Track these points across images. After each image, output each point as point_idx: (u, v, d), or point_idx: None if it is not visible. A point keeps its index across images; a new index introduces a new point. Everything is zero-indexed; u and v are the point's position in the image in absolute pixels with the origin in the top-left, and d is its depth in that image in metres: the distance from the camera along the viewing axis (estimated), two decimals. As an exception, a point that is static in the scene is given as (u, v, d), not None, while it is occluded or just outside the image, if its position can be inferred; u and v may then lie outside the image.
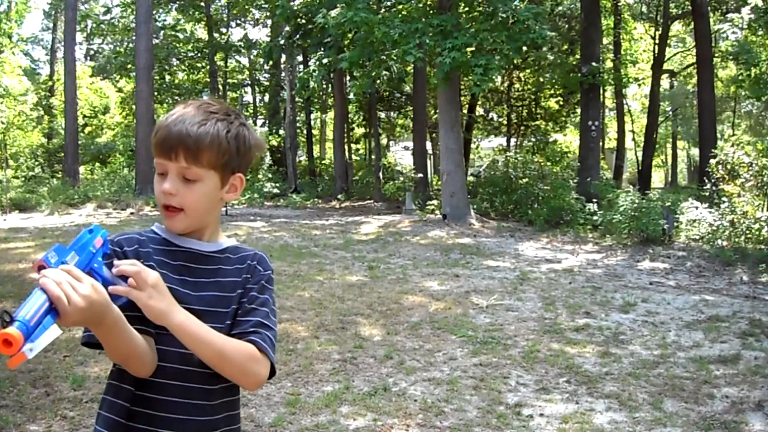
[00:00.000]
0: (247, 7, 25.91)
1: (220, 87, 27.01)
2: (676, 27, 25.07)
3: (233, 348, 1.20)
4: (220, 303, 1.28)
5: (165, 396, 1.23)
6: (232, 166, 1.30)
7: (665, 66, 23.17)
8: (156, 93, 21.00)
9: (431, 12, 13.17)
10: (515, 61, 17.68)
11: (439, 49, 11.92)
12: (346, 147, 23.50)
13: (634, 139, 27.13)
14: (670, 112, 27.93)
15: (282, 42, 20.37)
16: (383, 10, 14.07)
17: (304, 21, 17.84)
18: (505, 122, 25.04)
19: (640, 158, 22.98)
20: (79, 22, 25.68)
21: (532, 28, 11.84)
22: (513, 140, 25.00)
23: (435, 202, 15.14)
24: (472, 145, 25.75)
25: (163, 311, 1.13)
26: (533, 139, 24.42)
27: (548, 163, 17.35)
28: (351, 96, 23.58)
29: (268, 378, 1.28)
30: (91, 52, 32.94)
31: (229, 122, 1.29)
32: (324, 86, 23.35)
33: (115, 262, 1.15)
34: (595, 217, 12.14)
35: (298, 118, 25.50)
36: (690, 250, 9.63)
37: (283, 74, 25.18)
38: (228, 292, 1.29)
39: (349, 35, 14.26)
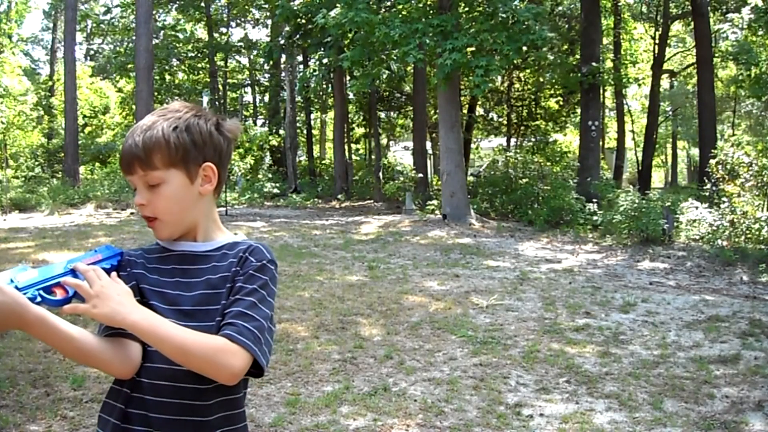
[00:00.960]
0: (247, 7, 25.91)
1: (220, 87, 27.01)
2: (676, 27, 25.07)
3: (196, 342, 1.16)
4: (210, 300, 1.26)
5: (158, 397, 1.23)
6: (194, 158, 1.29)
7: (665, 66, 23.16)
8: (156, 93, 20.99)
9: (431, 12, 13.17)
10: (515, 61, 17.68)
11: (439, 49, 11.92)
12: (346, 147, 23.49)
13: (634, 139, 27.14)
14: (670, 112, 27.92)
15: (282, 42, 20.37)
16: (383, 10, 14.07)
17: (304, 21, 17.83)
18: (505, 122, 25.03)
19: (640, 158, 22.97)
20: (79, 22, 25.68)
21: (532, 28, 11.83)
22: (513, 140, 24.99)
23: (435, 202, 15.13)
24: (472, 145, 25.74)
25: (108, 315, 1.14)
26: (533, 139, 24.41)
27: (548, 163, 17.35)
28: (351, 96, 23.59)
29: (258, 375, 1.25)
30: (91, 52, 32.93)
31: (177, 118, 1.30)
32: (324, 86, 23.35)
33: (62, 279, 1.19)
34: (595, 217, 12.15)
35: (298, 118, 25.51)
36: (690, 250, 9.63)
37: (283, 74, 25.19)
38: (219, 288, 1.27)
39: (350, 35, 14.25)
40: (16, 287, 1.11)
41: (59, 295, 1.17)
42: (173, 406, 1.23)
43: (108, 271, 1.26)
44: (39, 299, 1.14)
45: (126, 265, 1.32)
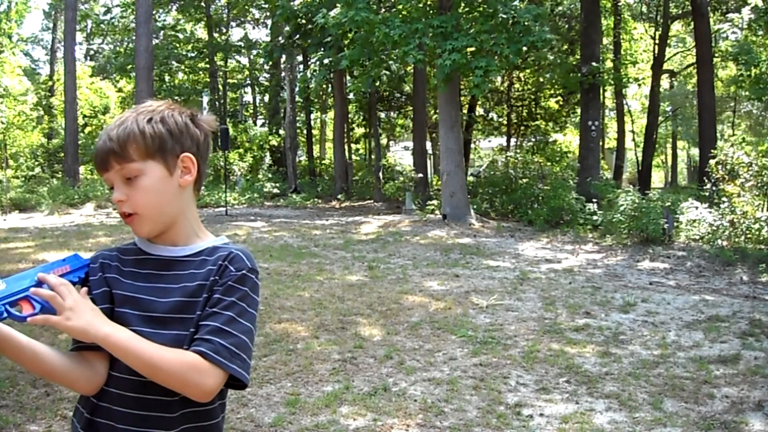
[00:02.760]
0: (247, 7, 25.92)
1: (220, 87, 27.02)
2: (676, 27, 25.08)
3: (166, 358, 1.14)
4: (185, 309, 1.22)
5: (122, 407, 1.21)
6: (171, 148, 1.26)
7: (665, 66, 23.16)
8: (156, 93, 21.00)
9: (431, 12, 13.17)
10: (515, 62, 17.72)
11: (439, 50, 11.92)
12: (346, 147, 23.51)
13: (634, 139, 27.14)
14: (670, 112, 27.93)
15: (282, 42, 20.38)
16: (383, 10, 14.07)
17: (304, 21, 17.84)
18: (505, 122, 25.04)
19: (640, 158, 22.98)
20: (79, 22, 25.70)
21: (532, 29, 11.82)
22: (513, 140, 25.00)
23: (435, 202, 15.13)
24: (472, 145, 25.75)
25: (83, 328, 1.12)
26: (533, 139, 24.43)
27: (548, 163, 17.35)
28: (351, 96, 23.59)
29: (241, 388, 1.24)
30: (91, 52, 32.95)
31: (150, 111, 1.28)
32: (324, 86, 23.36)
33: (32, 290, 1.15)
34: (595, 217, 12.14)
35: (298, 118, 25.52)
36: (690, 250, 9.63)
37: (283, 74, 25.21)
38: (195, 296, 1.23)
39: (349, 35, 14.25)
40: None
41: (25, 310, 1.14)
42: (139, 418, 1.21)
43: (74, 284, 1.23)
44: (5, 315, 1.11)
45: (98, 269, 1.28)
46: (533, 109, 24.57)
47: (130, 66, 22.15)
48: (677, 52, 27.08)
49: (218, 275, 1.24)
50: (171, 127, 1.27)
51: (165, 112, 1.28)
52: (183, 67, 26.99)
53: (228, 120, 26.21)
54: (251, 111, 31.46)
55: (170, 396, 1.20)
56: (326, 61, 16.55)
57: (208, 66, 26.28)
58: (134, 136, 1.23)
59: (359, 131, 28.05)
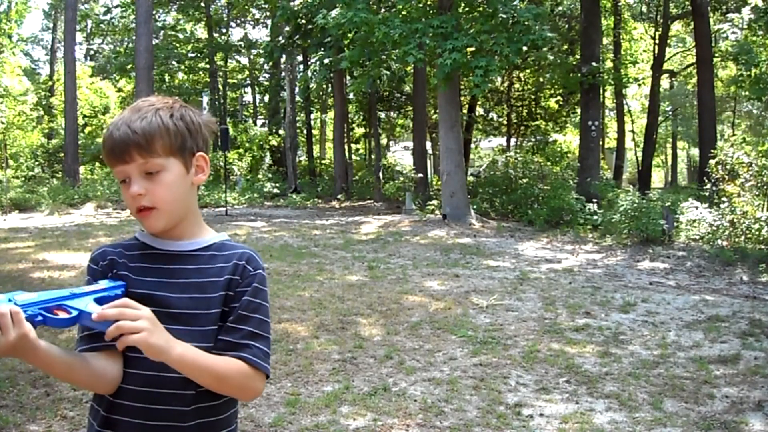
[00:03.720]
0: (247, 7, 25.93)
1: (220, 87, 27.01)
2: (676, 27, 25.08)
3: (230, 369, 1.20)
4: (200, 305, 1.24)
5: (139, 403, 1.22)
6: (190, 147, 1.27)
7: (665, 66, 23.17)
8: (156, 93, 20.99)
9: (431, 12, 13.17)
10: (515, 61, 17.73)
11: (439, 50, 11.92)
12: (346, 147, 23.51)
13: (634, 139, 27.15)
14: (670, 112, 27.93)
15: (282, 42, 20.38)
16: (383, 10, 14.06)
17: (304, 21, 17.84)
18: (505, 122, 25.06)
19: (640, 158, 22.99)
20: (79, 22, 25.71)
21: (532, 29, 11.83)
22: (513, 140, 25.02)
23: (435, 202, 15.13)
24: (472, 145, 25.75)
25: (162, 347, 1.12)
26: (533, 139, 24.44)
27: (548, 163, 17.35)
28: (351, 96, 23.60)
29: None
30: (91, 52, 32.95)
31: (169, 107, 1.28)
32: (324, 86, 23.37)
33: (91, 306, 1.13)
34: (595, 217, 12.15)
35: (298, 118, 25.53)
36: (690, 250, 9.63)
37: (283, 74, 25.22)
38: (209, 293, 1.24)
39: (349, 35, 14.26)
40: (16, 305, 1.07)
41: (62, 316, 1.12)
42: (155, 413, 1.22)
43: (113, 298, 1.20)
44: (40, 318, 1.09)
45: (108, 267, 1.28)
46: (533, 109, 24.58)
47: (130, 66, 22.16)
48: (677, 52, 27.08)
49: (238, 275, 1.27)
50: (189, 125, 1.28)
51: (182, 110, 1.29)
52: (183, 67, 26.98)
53: (228, 120, 26.23)
54: (251, 111, 31.48)
55: (185, 390, 1.22)
56: (326, 61, 16.55)
57: (208, 66, 26.29)
58: (161, 130, 1.23)
59: (359, 131, 28.05)
